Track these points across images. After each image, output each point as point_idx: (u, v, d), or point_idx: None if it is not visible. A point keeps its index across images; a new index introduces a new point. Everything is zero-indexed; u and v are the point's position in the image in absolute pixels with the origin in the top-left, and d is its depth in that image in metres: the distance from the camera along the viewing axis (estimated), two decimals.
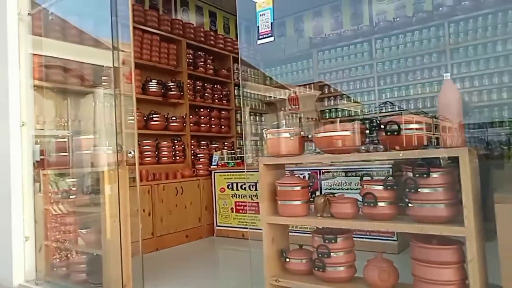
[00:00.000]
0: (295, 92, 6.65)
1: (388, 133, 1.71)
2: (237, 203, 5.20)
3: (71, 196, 3.37)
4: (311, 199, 2.12)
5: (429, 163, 1.64)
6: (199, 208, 5.27)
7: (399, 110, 5.68)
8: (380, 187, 1.79)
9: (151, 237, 4.59)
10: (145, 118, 4.97)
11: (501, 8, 4.82)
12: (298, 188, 2.09)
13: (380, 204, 1.77)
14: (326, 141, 1.93)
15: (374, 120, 1.79)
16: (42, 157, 3.69)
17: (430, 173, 1.63)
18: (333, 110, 6.35)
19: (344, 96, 6.23)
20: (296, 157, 2.12)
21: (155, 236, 4.63)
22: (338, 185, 4.32)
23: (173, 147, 5.31)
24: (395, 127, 1.69)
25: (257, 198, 4.97)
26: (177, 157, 5.36)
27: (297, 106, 6.79)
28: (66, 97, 4.41)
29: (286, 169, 2.42)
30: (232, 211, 5.23)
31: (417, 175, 1.65)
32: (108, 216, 3.05)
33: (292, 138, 2.09)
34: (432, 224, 1.62)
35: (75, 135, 3.35)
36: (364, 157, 1.77)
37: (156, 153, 5.11)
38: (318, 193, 4.42)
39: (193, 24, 5.74)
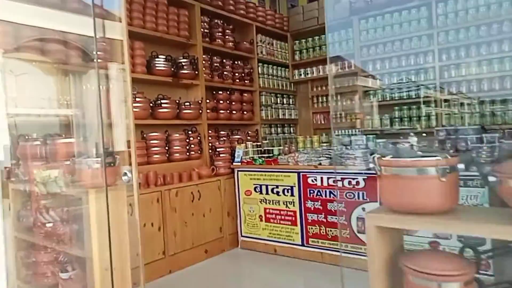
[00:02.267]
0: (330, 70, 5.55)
1: None
2: (268, 211, 4.20)
3: (47, 224, 2.38)
4: None
5: None
6: (220, 215, 4.30)
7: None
8: None
9: (163, 258, 3.64)
10: (151, 104, 3.92)
11: None
12: (456, 285, 1.04)
13: None
14: None
15: None
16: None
17: None
18: (379, 91, 5.22)
19: (394, 74, 5.08)
20: (449, 218, 1.07)
21: (168, 256, 3.68)
22: None
23: (187, 140, 4.28)
24: None
25: (293, 205, 3.97)
26: (192, 152, 4.33)
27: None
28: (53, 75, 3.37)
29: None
30: (261, 220, 4.25)
31: None
32: (97, 263, 2.06)
33: (443, 179, 1.03)
34: None
35: (49, 138, 2.32)
36: None
37: (167, 148, 4.08)
38: (376, 204, 3.39)
39: None
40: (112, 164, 2.05)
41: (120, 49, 2.12)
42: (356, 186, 3.54)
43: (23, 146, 2.58)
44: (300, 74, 5.94)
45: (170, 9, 4.06)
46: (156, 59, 3.93)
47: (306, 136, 4.67)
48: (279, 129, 5.83)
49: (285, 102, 5.94)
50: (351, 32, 5.34)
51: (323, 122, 5.96)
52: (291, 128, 6.12)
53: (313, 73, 5.83)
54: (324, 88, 5.87)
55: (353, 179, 3.55)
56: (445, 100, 4.72)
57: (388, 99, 5.14)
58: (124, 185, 1.95)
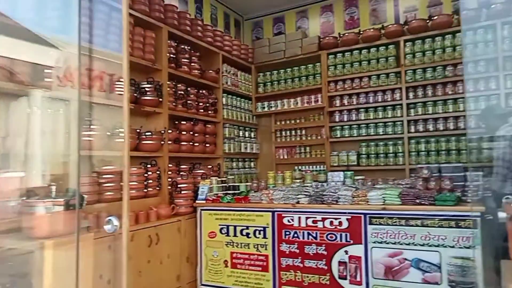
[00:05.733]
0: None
1: None
2: (235, 255, 3.75)
3: None
4: None
5: None
6: (178, 261, 3.76)
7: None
8: None
9: None
10: (108, 133, 3.40)
11: None
12: None
13: None
14: None
15: None
16: None
17: None
18: (346, 127, 5.12)
19: (362, 110, 5.02)
20: None
21: None
22: (393, 236, 3.03)
23: (145, 175, 3.77)
24: None
25: (265, 249, 3.58)
26: (150, 189, 3.81)
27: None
28: None
29: None
30: (226, 266, 3.78)
31: None
32: None
33: None
34: None
35: None
36: None
37: (122, 183, 3.52)
38: (361, 247, 3.11)
39: (176, 8, 4.25)
40: (80, 207, 1.57)
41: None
42: (338, 227, 3.25)
43: None
44: (263, 107, 5.71)
45: (136, 29, 3.66)
46: (117, 83, 3.46)
47: (277, 171, 4.36)
48: (240, 164, 5.47)
49: (247, 135, 5.64)
50: (318, 67, 5.26)
51: (285, 157, 5.72)
52: (252, 163, 5.80)
53: (277, 106, 5.63)
54: (288, 122, 5.68)
55: (336, 219, 3.26)
56: (412, 138, 4.71)
57: (355, 135, 5.05)
58: (92, 233, 1.49)
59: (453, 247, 2.82)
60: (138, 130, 3.64)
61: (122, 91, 3.44)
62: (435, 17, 4.54)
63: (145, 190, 3.75)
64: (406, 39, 4.68)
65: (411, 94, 4.71)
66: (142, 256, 3.34)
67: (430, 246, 2.89)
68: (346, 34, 5.06)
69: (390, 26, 4.79)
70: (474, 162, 4.19)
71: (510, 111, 3.73)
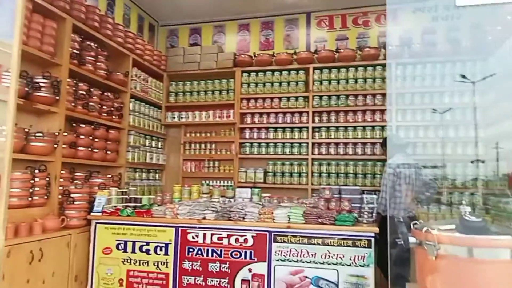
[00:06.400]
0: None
1: None
2: (132, 273, 3.46)
3: None
4: None
5: None
6: (65, 280, 3.34)
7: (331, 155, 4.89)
8: None
9: None
10: None
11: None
12: None
13: None
14: None
15: None
16: None
17: None
18: (256, 144, 5.19)
19: (271, 129, 5.15)
20: None
21: None
22: (296, 254, 3.09)
23: (32, 181, 3.29)
24: None
25: (166, 266, 3.37)
26: (36, 197, 3.34)
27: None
28: None
29: None
30: (121, 285, 3.46)
31: None
32: None
33: None
34: None
35: None
36: None
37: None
38: (265, 265, 3.12)
39: (85, 0, 3.89)
40: None
41: None
42: (243, 244, 3.21)
43: None
44: (174, 117, 5.52)
45: (34, 16, 3.22)
46: (5, 73, 2.99)
47: (184, 184, 4.18)
48: (143, 174, 5.16)
49: (153, 145, 5.37)
50: (232, 83, 5.28)
51: (193, 170, 5.57)
52: (157, 174, 5.52)
53: (187, 118, 5.48)
54: (198, 134, 5.56)
55: (241, 236, 3.22)
56: (315, 159, 4.96)
57: (263, 153, 5.14)
58: None
59: (349, 265, 2.98)
60: (26, 130, 3.19)
61: (9, 82, 3.01)
62: (341, 50, 4.92)
63: (30, 199, 3.27)
64: (315, 66, 4.97)
65: (316, 119, 4.98)
66: (20, 275, 2.88)
67: (329, 264, 3.01)
68: (261, 54, 5.19)
69: (301, 52, 5.05)
70: (370, 186, 4.59)
71: (407, 142, 4.14)
